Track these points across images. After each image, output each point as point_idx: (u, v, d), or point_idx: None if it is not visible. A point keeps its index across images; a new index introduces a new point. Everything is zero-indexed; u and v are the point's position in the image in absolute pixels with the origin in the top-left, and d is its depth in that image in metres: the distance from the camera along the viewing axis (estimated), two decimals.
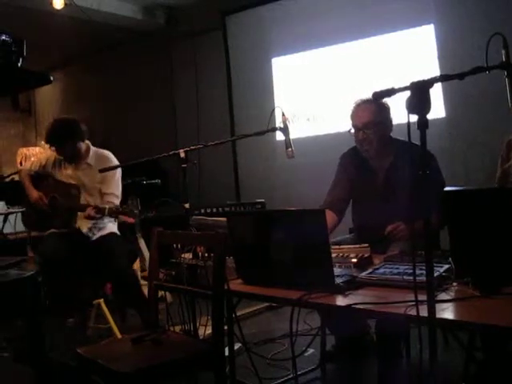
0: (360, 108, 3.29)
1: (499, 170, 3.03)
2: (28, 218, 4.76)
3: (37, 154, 7.94)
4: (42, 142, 4.81)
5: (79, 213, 4.31)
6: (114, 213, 4.04)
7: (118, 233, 4.56)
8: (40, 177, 4.60)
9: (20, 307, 2.79)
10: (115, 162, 4.49)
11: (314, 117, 6.21)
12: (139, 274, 5.04)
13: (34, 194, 4.48)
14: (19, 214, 5.27)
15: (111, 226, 4.51)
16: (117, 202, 4.36)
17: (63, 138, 4.35)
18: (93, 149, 4.53)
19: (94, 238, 4.41)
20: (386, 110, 3.27)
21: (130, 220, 4.22)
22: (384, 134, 3.25)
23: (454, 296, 1.98)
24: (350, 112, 3.34)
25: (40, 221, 4.54)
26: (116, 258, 4.21)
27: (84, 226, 4.40)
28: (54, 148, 4.45)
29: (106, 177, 4.36)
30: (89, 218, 4.14)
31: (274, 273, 2.38)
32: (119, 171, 4.46)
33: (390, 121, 3.29)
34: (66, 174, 4.50)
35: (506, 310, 1.80)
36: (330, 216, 3.26)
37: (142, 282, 4.89)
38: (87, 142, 4.53)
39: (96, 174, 4.31)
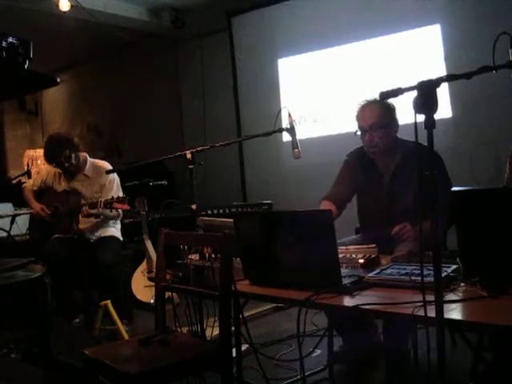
0: (366, 109, 3.27)
1: (507, 169, 3.02)
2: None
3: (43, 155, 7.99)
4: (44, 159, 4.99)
5: (82, 218, 4.57)
6: (108, 203, 4.24)
7: (121, 238, 4.79)
8: (42, 191, 4.86)
9: (28, 308, 2.79)
10: (111, 168, 4.68)
11: (320, 117, 6.20)
12: (146, 274, 5.05)
13: (36, 206, 4.74)
14: (26, 216, 5.31)
15: (113, 230, 4.75)
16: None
17: (59, 154, 4.55)
18: (90, 160, 4.77)
19: (94, 238, 4.64)
20: (391, 110, 3.26)
21: (125, 207, 4.34)
22: (391, 135, 3.24)
23: (462, 296, 1.98)
24: (355, 113, 3.33)
25: (44, 229, 4.75)
26: (104, 252, 4.42)
27: (87, 229, 4.65)
28: (55, 164, 4.67)
29: (104, 186, 4.62)
30: (87, 215, 4.41)
31: (281, 273, 2.38)
32: (117, 178, 4.71)
33: (396, 121, 3.28)
34: (65, 185, 4.74)
35: None
36: (329, 205, 3.27)
37: (149, 283, 4.91)
38: (84, 154, 4.77)
39: (94, 185, 4.64)
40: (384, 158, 3.29)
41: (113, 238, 4.68)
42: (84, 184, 4.67)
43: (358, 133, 3.29)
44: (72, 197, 4.60)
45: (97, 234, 4.65)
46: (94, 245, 4.57)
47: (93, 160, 4.80)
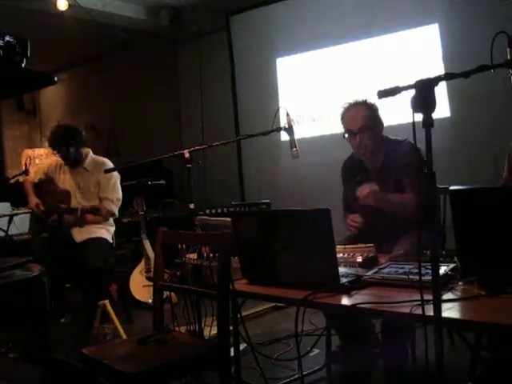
0: (352, 112, 3.26)
1: (506, 168, 3.02)
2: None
3: (42, 155, 8.02)
4: (47, 144, 4.99)
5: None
6: (85, 212, 4.36)
7: (111, 240, 4.73)
8: (42, 183, 4.86)
9: (26, 307, 2.79)
10: (112, 166, 4.69)
11: (319, 117, 6.20)
12: (144, 274, 5.06)
13: (32, 201, 4.72)
14: (24, 215, 5.31)
15: (102, 232, 4.67)
16: (111, 206, 4.61)
17: (67, 140, 4.60)
18: (91, 155, 4.79)
19: (81, 239, 4.56)
20: (377, 110, 3.26)
21: (97, 219, 4.48)
22: (378, 135, 3.25)
23: (460, 295, 1.98)
24: (339, 116, 3.33)
25: (42, 226, 4.80)
26: (90, 255, 4.36)
27: (75, 230, 4.62)
28: (56, 151, 4.68)
29: (100, 182, 4.64)
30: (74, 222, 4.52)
31: (279, 273, 2.38)
32: (116, 177, 4.70)
33: (381, 121, 3.28)
34: (65, 177, 4.76)
35: None
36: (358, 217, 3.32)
37: (147, 282, 4.91)
38: (88, 149, 4.80)
39: (91, 179, 4.67)
40: (371, 158, 3.29)
41: (99, 239, 4.59)
42: (83, 177, 4.70)
43: (346, 135, 3.28)
44: (63, 196, 4.60)
45: (85, 235, 4.58)
46: (80, 246, 4.50)
47: (95, 156, 4.82)
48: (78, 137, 4.67)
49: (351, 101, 3.29)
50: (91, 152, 4.80)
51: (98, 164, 4.71)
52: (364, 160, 3.33)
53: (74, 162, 4.69)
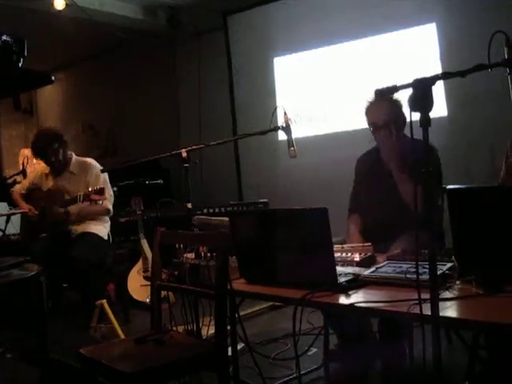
0: (377, 105, 3.25)
1: (503, 168, 3.02)
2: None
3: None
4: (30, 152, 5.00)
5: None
6: (87, 196, 4.17)
7: (105, 237, 4.70)
8: (30, 193, 4.85)
9: (23, 307, 2.79)
10: (98, 166, 4.67)
11: (316, 116, 6.20)
12: (141, 274, 5.05)
13: (24, 207, 4.74)
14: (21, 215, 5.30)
15: (98, 229, 4.65)
16: (106, 203, 4.51)
17: (53, 144, 4.57)
18: (74, 157, 4.74)
19: (75, 234, 4.57)
20: (401, 106, 3.25)
21: (103, 198, 4.27)
22: (402, 130, 3.24)
23: (458, 294, 1.98)
24: (363, 109, 3.32)
25: (32, 230, 4.77)
26: (79, 249, 4.33)
27: (73, 225, 4.60)
28: (42, 157, 4.68)
29: (90, 183, 4.54)
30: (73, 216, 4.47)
31: (277, 272, 2.38)
32: (104, 174, 4.63)
33: (405, 116, 3.27)
34: (52, 184, 4.71)
35: (509, 308, 1.80)
36: (359, 220, 3.34)
37: (145, 282, 4.90)
38: (71, 152, 4.76)
39: (80, 182, 4.58)
40: (391, 152, 3.27)
41: (91, 234, 4.57)
42: (70, 181, 4.63)
43: (371, 129, 3.27)
44: (57, 195, 4.56)
45: (79, 229, 4.57)
46: (75, 241, 4.48)
47: (77, 157, 4.77)
48: (62, 139, 4.63)
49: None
50: (73, 154, 4.77)
51: (83, 166, 4.67)
52: (383, 154, 3.32)
53: (59, 166, 4.66)
